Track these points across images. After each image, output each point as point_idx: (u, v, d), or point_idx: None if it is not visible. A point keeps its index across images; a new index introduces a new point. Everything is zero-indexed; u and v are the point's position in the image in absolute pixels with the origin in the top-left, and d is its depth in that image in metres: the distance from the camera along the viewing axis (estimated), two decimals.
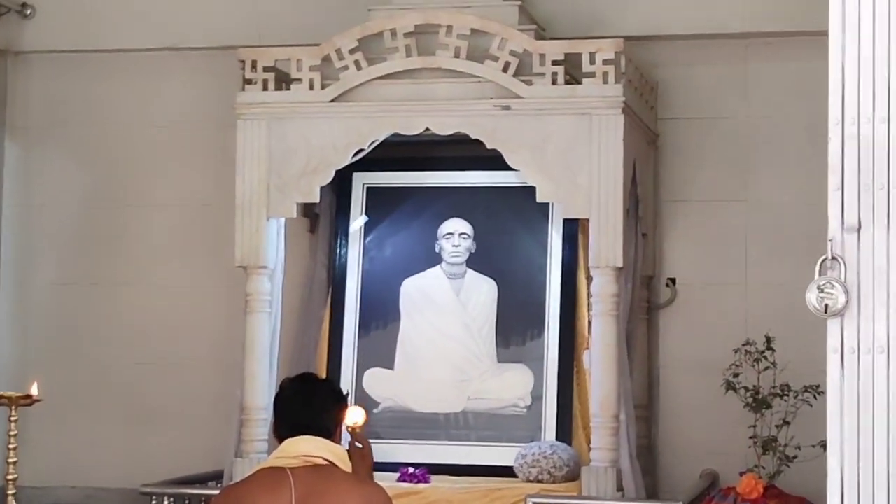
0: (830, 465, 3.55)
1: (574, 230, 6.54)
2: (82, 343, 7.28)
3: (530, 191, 6.15)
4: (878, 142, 3.56)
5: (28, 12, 7.35)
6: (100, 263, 7.29)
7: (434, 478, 6.29)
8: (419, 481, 6.24)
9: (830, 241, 3.57)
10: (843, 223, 3.57)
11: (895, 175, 3.57)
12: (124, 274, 7.26)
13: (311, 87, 6.28)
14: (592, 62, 6.07)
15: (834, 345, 3.58)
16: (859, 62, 3.60)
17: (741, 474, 5.64)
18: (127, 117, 7.30)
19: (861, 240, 3.59)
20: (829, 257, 3.57)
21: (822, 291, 3.56)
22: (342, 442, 4.63)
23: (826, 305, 3.57)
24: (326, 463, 4.45)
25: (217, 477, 6.37)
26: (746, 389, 5.82)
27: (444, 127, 6.21)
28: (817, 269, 3.58)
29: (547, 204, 6.37)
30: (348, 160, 6.29)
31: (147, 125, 7.29)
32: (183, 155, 7.23)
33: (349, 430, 4.74)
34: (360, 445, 4.74)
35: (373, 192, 6.82)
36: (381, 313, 6.68)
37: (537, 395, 6.44)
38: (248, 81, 6.33)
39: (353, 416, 4.85)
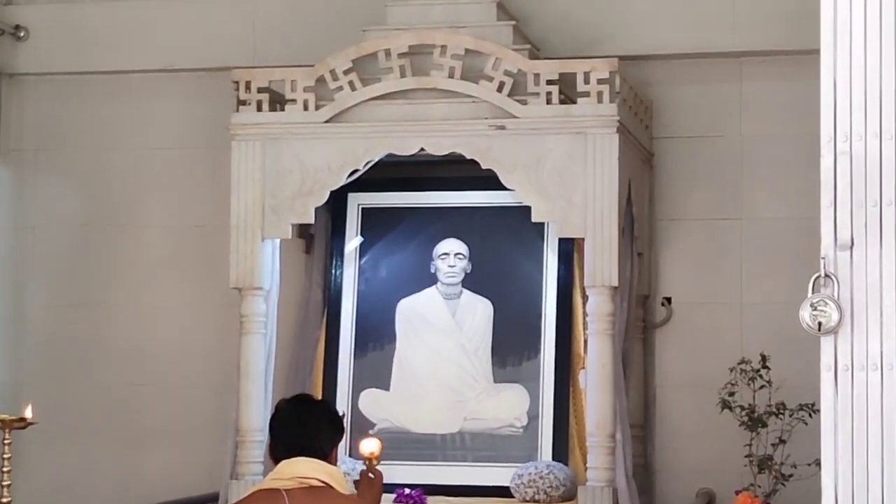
0: (825, 482, 3.54)
1: (570, 249, 6.54)
2: (77, 365, 7.27)
3: (525, 210, 6.15)
4: (870, 158, 3.56)
5: (21, 34, 7.36)
6: (94, 285, 7.29)
7: (431, 498, 6.27)
8: (416, 502, 6.23)
9: (823, 258, 3.57)
10: (835, 240, 3.57)
11: (888, 191, 3.57)
12: (119, 296, 7.26)
13: (306, 108, 6.28)
14: (587, 82, 6.08)
15: (827, 362, 3.58)
16: (851, 79, 3.60)
17: (737, 493, 5.63)
18: (121, 139, 7.31)
19: (854, 257, 3.58)
20: (823, 275, 3.57)
21: (815, 309, 3.56)
22: (338, 464, 4.63)
23: (819, 323, 3.56)
24: (322, 485, 4.45)
25: (213, 499, 6.35)
26: (742, 408, 5.82)
27: (438, 147, 6.21)
28: (810, 286, 3.58)
29: (542, 224, 6.37)
30: (343, 181, 6.29)
31: (141, 147, 7.29)
32: (177, 176, 7.23)
33: (365, 460, 4.76)
34: (372, 476, 4.75)
35: (368, 213, 6.82)
36: (376, 334, 6.67)
37: (533, 415, 6.44)
38: (242, 102, 6.33)
39: (370, 446, 4.87)
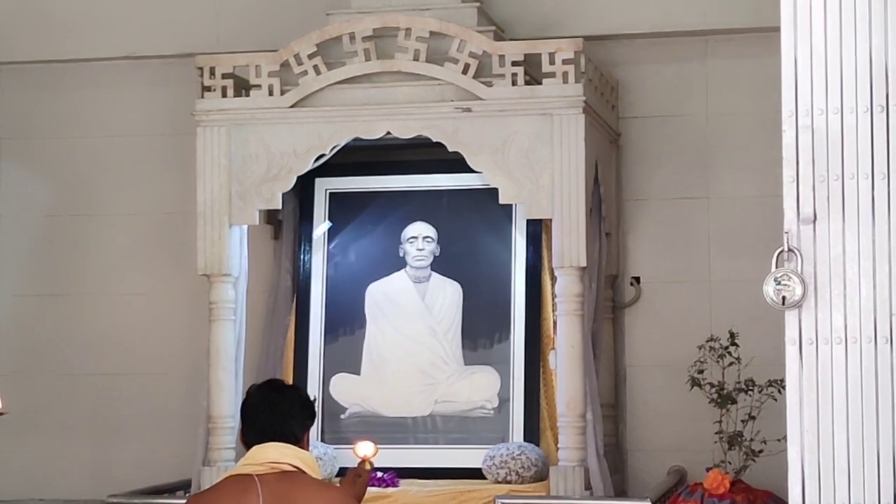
0: (791, 455, 3.56)
1: (538, 231, 6.55)
2: (47, 354, 7.24)
3: (493, 192, 6.16)
4: (831, 132, 3.58)
5: None
6: (62, 274, 7.26)
7: (403, 481, 6.28)
8: (388, 485, 6.24)
9: (786, 233, 3.58)
10: (798, 215, 3.59)
11: (850, 165, 3.59)
12: (87, 285, 7.23)
13: (271, 93, 6.27)
14: (552, 62, 6.08)
15: (792, 336, 3.60)
16: (811, 54, 3.61)
17: (708, 470, 5.65)
18: (86, 127, 7.27)
19: (817, 231, 3.60)
20: (786, 249, 3.59)
21: (779, 283, 3.57)
22: (310, 448, 4.62)
23: (783, 297, 3.58)
24: (294, 469, 4.44)
25: (185, 486, 6.34)
26: (711, 385, 5.84)
27: (405, 130, 6.20)
28: (774, 261, 3.59)
29: (510, 205, 6.38)
30: (310, 166, 6.28)
31: (107, 135, 7.26)
32: (144, 164, 7.20)
33: (360, 463, 4.76)
34: (360, 476, 4.75)
35: (335, 198, 6.81)
36: (346, 319, 6.67)
37: (504, 397, 6.45)
38: (207, 88, 6.31)
39: (366, 449, 4.87)
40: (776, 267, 3.57)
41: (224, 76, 6.31)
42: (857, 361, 3.55)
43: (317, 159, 6.28)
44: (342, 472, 6.17)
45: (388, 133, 6.21)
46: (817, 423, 3.57)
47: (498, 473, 6.17)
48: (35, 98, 7.33)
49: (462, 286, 6.60)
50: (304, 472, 4.45)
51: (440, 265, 6.64)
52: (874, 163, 3.59)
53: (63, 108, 7.31)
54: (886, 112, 3.57)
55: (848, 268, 3.57)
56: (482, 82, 6.12)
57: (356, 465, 4.77)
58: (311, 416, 4.63)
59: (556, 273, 6.10)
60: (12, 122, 7.36)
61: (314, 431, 6.26)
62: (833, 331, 3.57)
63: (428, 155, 6.51)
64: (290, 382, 6.11)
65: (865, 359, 3.55)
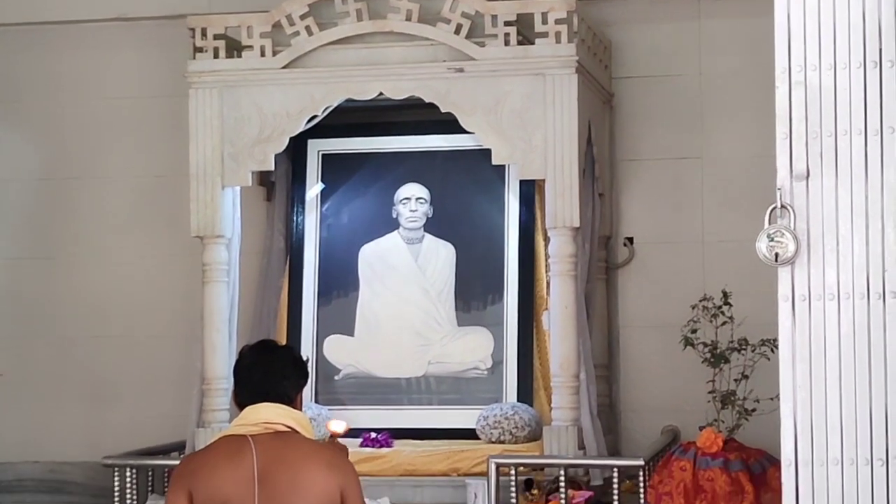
0: (783, 411, 3.57)
1: (531, 191, 6.54)
2: (40, 318, 7.24)
3: (486, 153, 6.15)
4: (824, 88, 3.57)
5: None
6: (55, 238, 7.25)
7: (397, 442, 6.30)
8: (382, 446, 6.26)
9: (779, 189, 3.58)
10: (791, 171, 3.58)
11: (842, 122, 3.58)
12: (80, 248, 7.22)
13: (263, 54, 6.25)
14: (545, 22, 6.06)
15: (785, 293, 3.60)
16: (804, 9, 3.60)
17: (701, 429, 5.66)
18: (78, 90, 7.25)
19: (810, 187, 3.60)
20: (779, 206, 3.58)
21: (771, 240, 3.57)
22: (303, 409, 4.63)
23: (776, 254, 3.58)
24: (288, 429, 4.44)
25: (179, 447, 6.36)
26: (704, 345, 5.84)
27: (397, 91, 6.19)
28: (767, 217, 3.59)
29: (503, 166, 6.37)
30: (302, 127, 6.27)
31: (99, 97, 7.23)
32: (136, 126, 7.18)
33: (330, 437, 4.75)
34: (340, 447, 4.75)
35: (328, 159, 6.80)
36: (339, 280, 6.67)
37: (498, 358, 6.46)
38: (199, 50, 6.29)
39: (335, 426, 4.87)
40: (769, 223, 3.56)
41: (216, 37, 6.29)
42: (849, 317, 3.56)
43: (309, 120, 6.27)
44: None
45: (381, 94, 6.20)
46: (810, 380, 3.57)
47: (491, 433, 6.18)
48: (26, 60, 7.30)
49: (455, 247, 6.60)
50: (297, 433, 4.45)
51: (433, 226, 6.64)
52: (867, 119, 3.59)
53: (54, 71, 7.28)
54: (879, 68, 3.57)
55: (841, 224, 3.57)
56: (475, 42, 6.10)
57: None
58: (304, 377, 4.63)
59: (549, 234, 6.10)
60: (3, 85, 7.32)
61: (308, 393, 6.27)
62: (826, 287, 3.57)
63: (421, 116, 6.50)
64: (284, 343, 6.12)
65: (858, 315, 3.56)
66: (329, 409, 6.38)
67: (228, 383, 6.07)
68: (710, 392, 5.80)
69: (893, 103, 3.59)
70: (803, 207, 3.58)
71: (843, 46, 3.61)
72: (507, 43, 6.08)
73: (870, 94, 3.59)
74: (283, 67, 6.23)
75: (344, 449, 4.70)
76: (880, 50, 3.60)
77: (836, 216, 3.57)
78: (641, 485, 5.73)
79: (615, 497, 5.72)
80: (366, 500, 4.51)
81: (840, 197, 3.58)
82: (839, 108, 3.60)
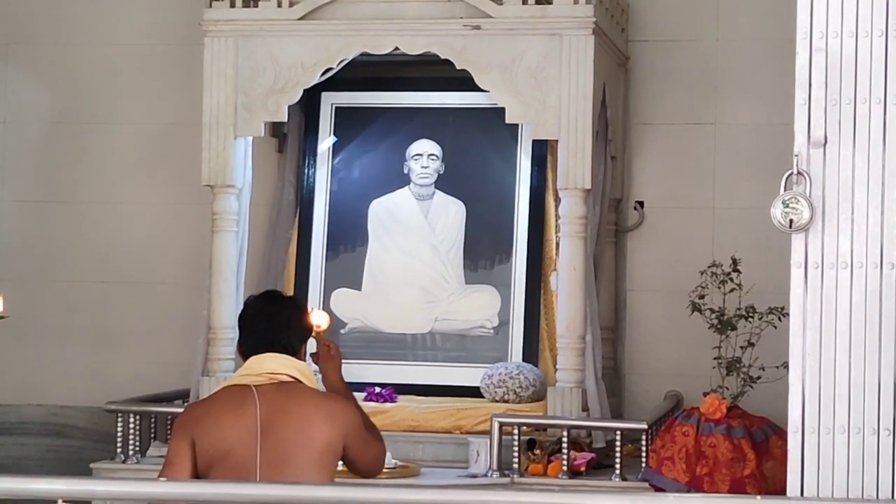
0: (792, 378, 3.57)
1: (543, 152, 6.52)
2: (48, 261, 7.24)
3: (500, 112, 6.13)
4: (845, 56, 3.55)
5: None
6: (65, 182, 7.24)
7: (401, 397, 6.31)
8: (386, 401, 6.26)
9: (796, 155, 3.57)
10: (809, 138, 3.57)
11: (862, 89, 3.56)
12: (90, 193, 7.21)
13: (280, 5, 6.23)
14: None
15: (798, 259, 3.59)
16: None
17: (705, 395, 5.66)
18: (92, 35, 7.22)
19: (827, 155, 3.59)
20: (795, 172, 3.57)
21: (786, 206, 3.56)
22: (307, 360, 4.63)
23: (791, 220, 3.56)
24: (292, 380, 4.45)
25: (183, 395, 6.37)
26: (712, 311, 5.83)
27: (413, 46, 6.16)
28: (783, 183, 3.58)
29: (516, 125, 6.35)
30: (316, 79, 6.25)
31: (113, 43, 7.20)
32: (149, 73, 7.16)
33: (314, 334, 4.73)
34: (328, 347, 4.73)
35: (341, 113, 6.78)
36: (348, 234, 6.67)
37: (504, 317, 6.45)
38: None
39: (317, 319, 4.84)
40: (784, 189, 3.56)
41: None
42: (861, 286, 3.55)
43: (324, 73, 6.25)
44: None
45: (396, 49, 6.17)
46: (819, 348, 3.57)
47: (496, 392, 6.19)
48: (42, 3, 7.27)
49: (465, 205, 6.59)
50: (301, 383, 4.46)
51: (444, 183, 6.62)
52: (887, 88, 3.57)
53: (70, 15, 7.25)
54: None
55: (856, 192, 3.56)
56: (492, 0, 6.07)
57: (318, 344, 4.74)
58: (309, 328, 4.63)
59: (560, 194, 6.09)
60: (18, 28, 7.30)
61: (312, 345, 6.26)
62: (839, 255, 3.57)
63: (435, 72, 6.48)
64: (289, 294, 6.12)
65: (870, 284, 3.55)
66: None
67: (234, 333, 6.05)
68: (715, 358, 5.80)
69: None
70: (819, 175, 3.57)
71: (865, 14, 3.59)
72: (524, 2, 6.06)
73: (891, 63, 3.57)
74: (300, 19, 6.20)
75: (336, 355, 4.68)
76: None
77: (852, 184, 3.56)
78: (644, 448, 5.74)
79: (617, 460, 5.73)
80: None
81: (857, 165, 3.57)
82: (859, 75, 3.58)
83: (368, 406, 6.06)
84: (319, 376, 5.29)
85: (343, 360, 4.60)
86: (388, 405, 6.22)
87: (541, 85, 6.02)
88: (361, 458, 4.46)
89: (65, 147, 7.24)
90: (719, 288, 5.87)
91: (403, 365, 6.48)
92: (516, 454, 5.78)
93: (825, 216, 3.57)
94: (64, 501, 3.30)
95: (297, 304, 4.74)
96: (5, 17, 7.31)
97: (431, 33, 6.11)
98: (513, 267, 6.49)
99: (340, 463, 4.47)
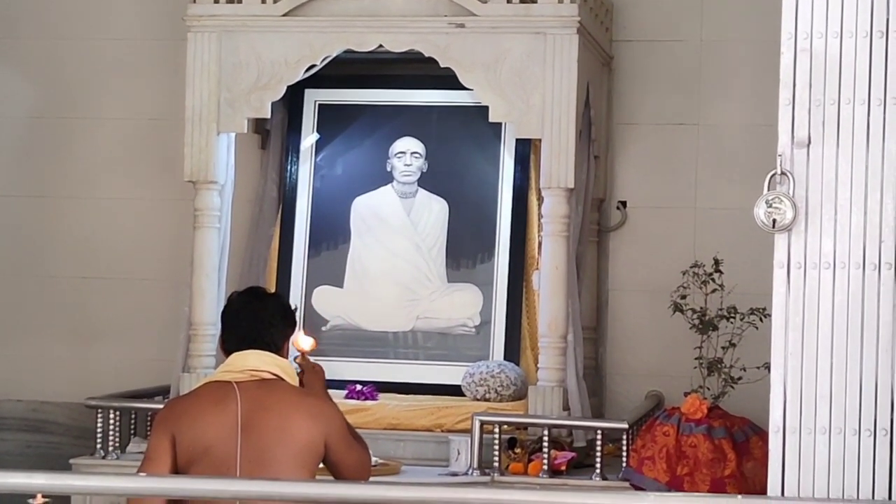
0: (773, 378, 3.57)
1: (526, 151, 6.52)
2: (28, 256, 7.21)
3: (483, 110, 6.13)
4: (830, 56, 3.55)
5: None
6: (47, 176, 7.21)
7: (382, 395, 6.30)
8: (367, 398, 6.26)
9: (780, 155, 3.57)
10: (793, 138, 3.57)
11: (846, 90, 3.57)
12: (72, 187, 7.19)
13: (263, 1, 6.22)
14: None
15: (780, 260, 3.59)
16: None
17: (686, 395, 5.66)
18: (75, 29, 7.19)
19: (810, 155, 3.59)
20: (779, 172, 3.57)
21: (770, 206, 3.56)
22: (289, 358, 4.62)
23: (774, 220, 3.57)
24: (273, 377, 4.45)
25: (164, 392, 6.36)
26: (693, 311, 5.84)
27: (397, 44, 6.16)
28: (766, 183, 3.58)
29: (499, 124, 6.35)
30: (300, 76, 6.24)
31: (95, 38, 7.18)
32: (132, 68, 7.14)
33: (297, 359, 4.74)
34: (316, 371, 4.73)
35: (325, 110, 6.77)
36: (331, 231, 6.66)
37: (486, 316, 6.45)
38: None
39: (303, 343, 4.85)
40: (768, 189, 3.56)
41: None
42: (844, 287, 3.55)
43: (307, 70, 6.24)
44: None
45: (380, 46, 6.17)
46: (801, 348, 3.57)
47: (477, 391, 6.19)
48: None
49: (448, 203, 6.58)
50: (283, 381, 4.45)
51: (427, 181, 6.62)
52: (871, 89, 3.57)
53: (52, 9, 7.22)
54: (886, 38, 3.55)
55: (840, 193, 3.56)
56: None
57: (302, 364, 4.75)
58: (292, 325, 4.63)
59: (543, 194, 6.09)
60: (0, 22, 7.27)
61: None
62: (822, 255, 3.57)
63: (419, 70, 6.48)
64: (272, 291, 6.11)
65: (853, 284, 3.56)
66: (315, 360, 6.36)
67: (215, 329, 6.06)
68: (696, 358, 5.81)
69: None
70: (803, 175, 3.57)
71: (850, 15, 3.60)
72: (509, 0, 6.05)
73: (875, 64, 3.58)
74: (284, 15, 6.20)
75: (320, 372, 4.68)
76: (887, 20, 3.59)
77: (836, 185, 3.57)
78: (624, 448, 5.74)
79: (598, 459, 5.73)
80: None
81: (840, 166, 3.58)
82: (843, 76, 3.58)
83: (349, 404, 6.06)
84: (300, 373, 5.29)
85: (324, 358, 4.62)
86: (369, 403, 6.22)
87: (524, 84, 6.02)
88: (344, 460, 4.44)
89: (46, 142, 7.22)
90: (701, 288, 5.88)
91: (385, 363, 6.48)
92: (497, 453, 5.77)
93: (808, 216, 3.57)
94: (43, 496, 3.29)
95: (281, 300, 4.73)
96: None
97: (415, 31, 6.11)
98: (495, 266, 6.49)
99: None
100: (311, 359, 4.79)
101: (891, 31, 3.55)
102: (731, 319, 5.79)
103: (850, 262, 3.54)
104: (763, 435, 5.04)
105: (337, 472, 4.46)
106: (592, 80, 6.36)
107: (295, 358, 4.72)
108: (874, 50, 3.57)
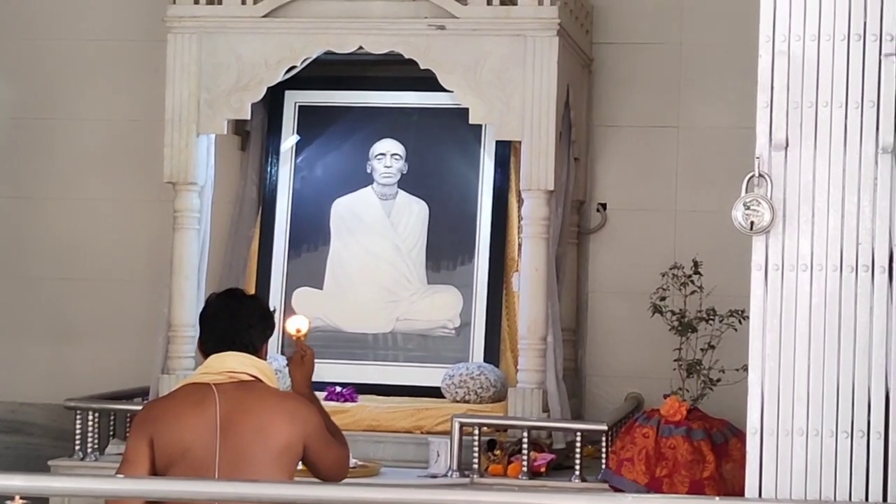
0: (751, 380, 3.58)
1: (506, 153, 6.53)
2: (7, 257, 7.19)
3: (463, 112, 6.13)
4: (807, 59, 3.57)
5: None
6: (26, 177, 7.19)
7: (361, 397, 6.30)
8: (346, 400, 6.26)
9: (758, 158, 3.58)
10: (770, 141, 3.58)
11: (823, 93, 3.58)
12: (51, 189, 7.17)
13: (244, 2, 6.21)
14: None
15: (758, 261, 3.60)
16: None
17: (665, 397, 5.67)
18: (55, 29, 7.17)
19: (788, 157, 3.60)
20: (756, 175, 3.59)
21: (748, 208, 3.57)
22: (268, 358, 4.62)
23: (752, 222, 3.58)
24: (252, 379, 4.44)
25: (143, 393, 6.35)
26: (673, 313, 5.85)
27: (377, 46, 6.16)
28: (744, 186, 3.59)
29: (479, 126, 6.35)
30: (280, 77, 6.23)
31: (75, 38, 7.16)
32: (112, 69, 7.12)
33: (293, 338, 4.73)
34: (303, 355, 4.72)
35: (305, 111, 6.77)
36: (311, 233, 6.65)
37: (466, 318, 6.46)
38: None
39: (298, 322, 4.84)
40: (746, 192, 3.57)
41: None
42: (821, 289, 3.57)
43: (287, 71, 6.24)
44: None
45: (361, 48, 6.17)
46: (779, 349, 3.58)
47: (456, 392, 6.19)
48: None
49: (428, 205, 6.59)
50: (261, 382, 4.45)
51: (407, 183, 6.62)
52: (848, 91, 3.59)
53: (31, 9, 7.20)
54: (863, 41, 3.57)
55: (817, 195, 3.58)
56: (457, 0, 6.07)
57: (296, 348, 4.75)
58: (271, 327, 4.63)
59: (523, 196, 6.10)
60: None
61: (273, 344, 6.26)
62: (799, 257, 3.58)
63: (399, 72, 6.48)
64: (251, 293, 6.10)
65: (830, 286, 3.57)
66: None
67: (194, 331, 6.04)
68: (675, 360, 5.82)
69: (874, 77, 3.60)
70: (780, 177, 3.59)
71: (828, 18, 3.61)
72: (489, 2, 6.06)
73: (852, 67, 3.59)
74: (264, 16, 6.19)
75: (308, 362, 4.67)
76: (864, 23, 3.60)
77: (813, 187, 3.58)
78: (604, 450, 5.75)
79: (577, 461, 5.74)
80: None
81: (818, 168, 3.59)
82: (821, 79, 3.60)
83: (329, 405, 6.04)
84: (279, 375, 5.30)
85: None
86: (348, 405, 6.21)
87: (505, 86, 6.02)
88: (323, 460, 4.45)
89: (25, 142, 7.20)
90: (680, 290, 5.89)
91: (364, 364, 6.48)
92: (476, 454, 5.78)
93: (786, 218, 3.58)
94: (21, 498, 3.28)
95: (260, 302, 4.73)
96: None
97: (396, 33, 6.11)
98: (475, 267, 6.49)
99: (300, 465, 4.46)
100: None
101: (867, 35, 3.57)
102: (710, 321, 5.80)
103: (827, 265, 3.56)
104: (742, 436, 5.04)
105: (315, 471, 4.47)
106: (572, 83, 6.37)
107: (295, 342, 4.72)
108: (851, 53, 3.59)
